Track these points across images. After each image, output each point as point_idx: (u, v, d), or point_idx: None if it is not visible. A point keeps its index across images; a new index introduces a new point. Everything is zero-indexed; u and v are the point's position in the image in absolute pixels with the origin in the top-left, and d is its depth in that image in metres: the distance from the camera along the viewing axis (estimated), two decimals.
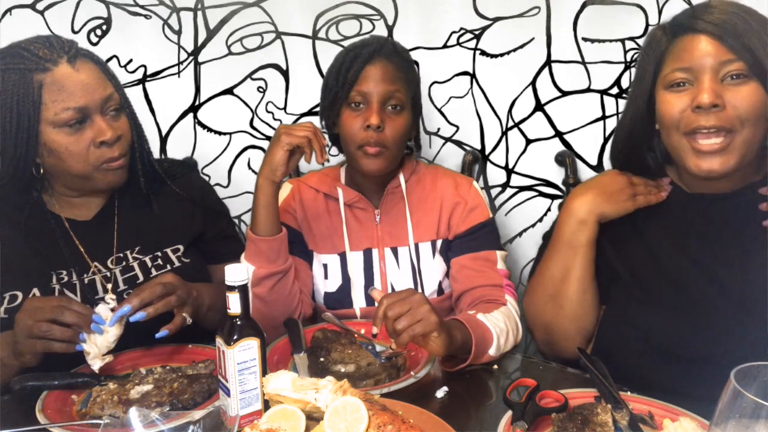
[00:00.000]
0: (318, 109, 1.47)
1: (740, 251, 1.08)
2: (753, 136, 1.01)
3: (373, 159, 1.34)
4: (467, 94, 1.75)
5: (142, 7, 1.68)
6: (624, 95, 1.69)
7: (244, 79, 1.75)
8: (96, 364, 1.07)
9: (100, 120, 1.21)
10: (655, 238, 1.17)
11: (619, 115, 1.68)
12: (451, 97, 1.76)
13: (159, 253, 1.34)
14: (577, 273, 1.19)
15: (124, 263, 1.31)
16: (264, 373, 0.96)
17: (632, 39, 1.65)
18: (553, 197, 1.78)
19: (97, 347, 1.07)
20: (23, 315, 1.08)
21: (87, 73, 1.20)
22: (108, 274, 1.29)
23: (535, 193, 1.78)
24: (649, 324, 1.13)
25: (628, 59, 1.66)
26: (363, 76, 1.33)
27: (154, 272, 1.31)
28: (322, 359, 1.18)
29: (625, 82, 1.68)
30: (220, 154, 1.80)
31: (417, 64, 1.72)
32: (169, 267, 1.33)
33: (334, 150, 1.49)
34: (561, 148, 1.74)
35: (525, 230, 1.81)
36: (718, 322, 1.08)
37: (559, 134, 1.73)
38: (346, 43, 1.47)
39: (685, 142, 1.05)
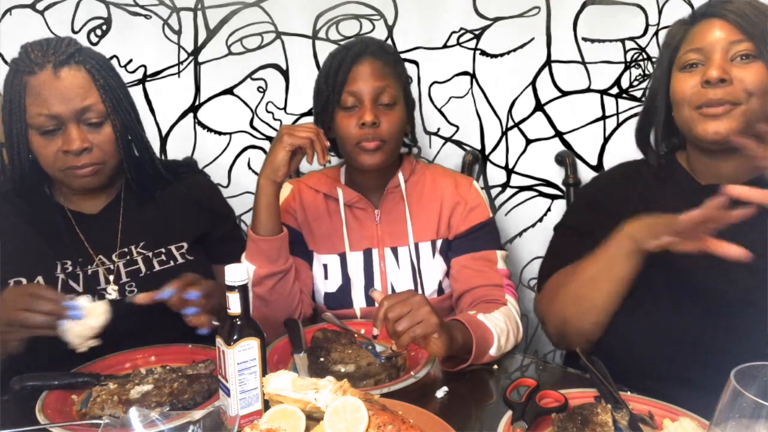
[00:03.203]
0: None
1: (749, 242, 1.09)
2: (759, 107, 1.08)
3: (372, 154, 1.35)
4: (467, 94, 1.75)
5: (142, 7, 1.68)
6: (624, 95, 1.69)
7: (244, 79, 1.75)
8: (80, 346, 1.08)
9: (73, 129, 1.22)
10: None
11: (620, 115, 1.70)
12: (451, 97, 1.76)
13: (163, 250, 1.35)
14: (607, 286, 1.15)
15: (128, 257, 1.32)
16: (264, 373, 0.96)
17: (632, 39, 1.65)
18: (553, 197, 1.78)
19: (76, 333, 1.07)
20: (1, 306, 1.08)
21: (69, 81, 1.21)
22: (111, 266, 1.30)
23: (535, 193, 1.78)
24: (658, 314, 1.13)
25: (628, 59, 1.66)
26: (352, 77, 1.34)
27: (157, 267, 1.32)
28: (322, 359, 1.18)
29: (625, 82, 1.68)
30: (220, 154, 1.80)
31: (417, 64, 1.73)
32: (172, 263, 1.34)
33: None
34: (561, 148, 1.74)
35: (525, 230, 1.81)
36: (725, 312, 1.08)
37: (559, 134, 1.73)
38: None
39: (695, 114, 1.12)
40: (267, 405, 0.94)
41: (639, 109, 1.30)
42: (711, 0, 1.17)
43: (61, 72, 1.21)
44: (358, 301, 1.41)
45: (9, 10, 1.65)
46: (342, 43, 1.65)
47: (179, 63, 1.73)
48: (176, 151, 1.78)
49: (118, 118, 1.27)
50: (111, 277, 1.29)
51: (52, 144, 1.22)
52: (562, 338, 1.25)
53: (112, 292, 1.27)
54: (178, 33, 1.71)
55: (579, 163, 1.73)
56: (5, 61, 1.68)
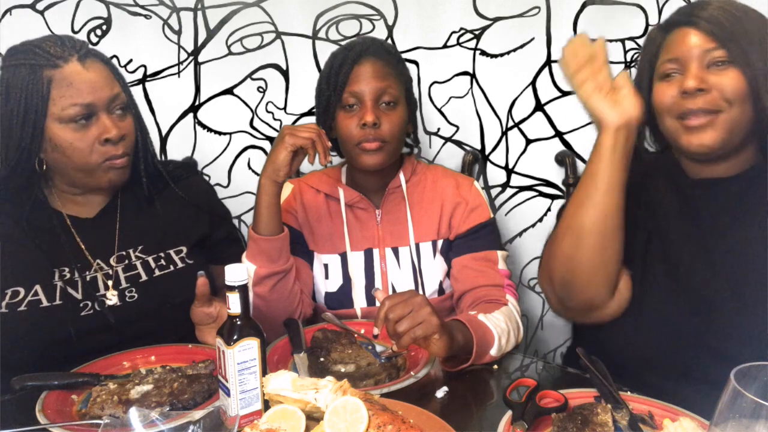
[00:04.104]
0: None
1: (741, 236, 1.09)
2: (739, 115, 1.08)
3: (373, 154, 1.35)
4: (467, 94, 1.75)
5: (142, 7, 1.68)
6: None
7: (244, 79, 1.75)
8: None
9: (106, 118, 1.23)
10: (661, 223, 1.18)
11: None
12: (451, 97, 1.76)
13: (162, 254, 1.34)
14: (594, 200, 1.09)
15: (126, 261, 1.31)
16: (264, 373, 0.96)
17: (632, 39, 1.65)
18: (553, 197, 1.78)
19: None
20: None
21: (96, 71, 1.23)
22: (110, 271, 1.29)
23: (535, 193, 1.78)
24: (659, 311, 1.14)
25: (628, 59, 1.66)
26: (353, 77, 1.34)
27: (157, 272, 1.31)
28: (322, 359, 1.18)
29: None
30: (220, 154, 1.80)
31: (417, 64, 1.73)
32: (172, 268, 1.33)
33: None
34: (561, 148, 1.74)
35: (525, 230, 1.81)
36: (725, 309, 1.08)
37: (559, 134, 1.73)
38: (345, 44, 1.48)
39: (677, 124, 1.12)
40: (267, 405, 0.94)
41: None
42: (681, 8, 1.17)
43: (87, 63, 1.22)
44: (359, 301, 1.41)
45: (9, 10, 1.64)
46: (342, 43, 1.65)
47: (179, 63, 1.73)
48: (176, 151, 1.78)
49: (135, 110, 1.30)
50: (110, 282, 1.28)
51: (87, 136, 1.21)
52: (570, 290, 1.14)
53: (112, 297, 1.26)
54: (178, 33, 1.71)
55: (579, 163, 1.72)
56: None
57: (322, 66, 1.46)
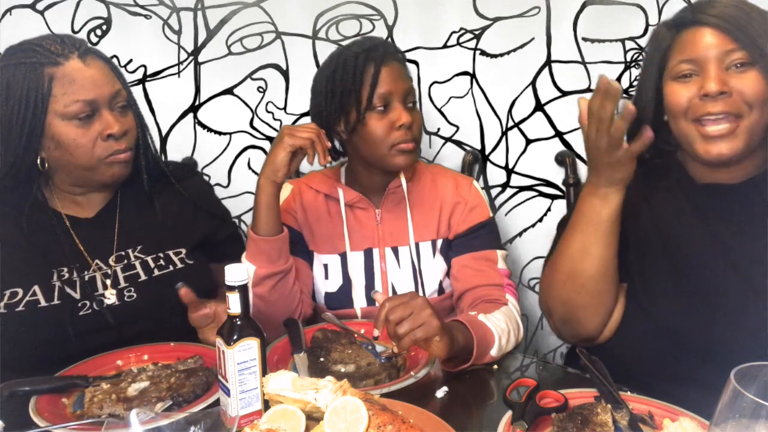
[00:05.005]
0: None
1: (751, 241, 1.09)
2: (759, 119, 1.05)
3: (409, 155, 1.36)
4: (467, 94, 1.75)
5: (142, 7, 1.68)
6: (624, 95, 1.69)
7: (244, 79, 1.75)
8: None
9: (108, 114, 1.24)
10: (669, 228, 1.17)
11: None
12: (451, 97, 1.76)
13: (161, 254, 1.34)
14: (597, 250, 1.10)
15: (125, 261, 1.31)
16: (264, 373, 0.96)
17: (632, 39, 1.65)
18: (553, 197, 1.78)
19: None
20: None
21: (97, 68, 1.24)
22: (108, 271, 1.29)
23: (535, 193, 1.78)
24: (662, 312, 1.13)
25: (628, 59, 1.66)
26: (382, 79, 1.33)
27: (156, 272, 1.31)
28: (322, 359, 1.18)
29: (625, 82, 1.68)
30: (220, 154, 1.80)
31: (417, 64, 1.73)
32: (171, 268, 1.33)
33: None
34: (561, 148, 1.74)
35: (525, 230, 1.81)
36: (730, 309, 1.08)
37: (559, 134, 1.73)
38: (345, 44, 1.47)
39: (693, 129, 1.08)
40: (267, 405, 0.94)
41: None
42: (694, 4, 1.13)
43: (87, 60, 1.23)
44: (359, 301, 1.41)
45: (9, 10, 1.64)
46: (343, 43, 1.65)
47: (179, 63, 1.73)
48: (176, 151, 1.78)
49: (135, 108, 1.31)
50: (108, 282, 1.27)
51: (90, 132, 1.22)
52: (568, 323, 1.19)
53: (111, 296, 1.26)
54: (178, 33, 1.71)
55: (579, 163, 1.73)
56: None
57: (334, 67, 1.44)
